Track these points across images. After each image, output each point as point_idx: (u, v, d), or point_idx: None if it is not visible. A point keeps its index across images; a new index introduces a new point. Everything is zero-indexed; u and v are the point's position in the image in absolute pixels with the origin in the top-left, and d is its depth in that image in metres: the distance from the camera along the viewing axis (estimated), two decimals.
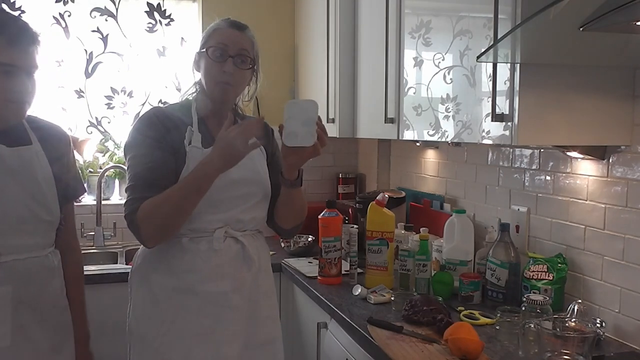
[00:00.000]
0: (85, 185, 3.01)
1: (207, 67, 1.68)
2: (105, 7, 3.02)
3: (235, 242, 1.70)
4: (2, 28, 1.50)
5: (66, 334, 1.75)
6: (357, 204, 2.73)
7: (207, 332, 1.66)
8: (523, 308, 1.66)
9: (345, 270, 2.31)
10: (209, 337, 1.66)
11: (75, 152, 2.95)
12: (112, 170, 3.00)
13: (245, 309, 1.71)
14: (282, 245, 2.84)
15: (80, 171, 3.03)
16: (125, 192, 1.66)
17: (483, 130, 1.70)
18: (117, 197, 3.09)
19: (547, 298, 1.68)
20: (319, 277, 2.30)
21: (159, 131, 1.65)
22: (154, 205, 1.58)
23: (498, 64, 1.60)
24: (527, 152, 2.05)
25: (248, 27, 1.74)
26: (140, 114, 1.73)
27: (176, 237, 1.66)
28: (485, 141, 1.70)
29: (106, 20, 3.03)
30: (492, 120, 1.62)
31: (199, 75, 1.74)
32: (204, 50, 1.69)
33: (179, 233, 1.65)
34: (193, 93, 1.78)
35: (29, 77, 1.56)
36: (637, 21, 1.13)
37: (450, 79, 1.85)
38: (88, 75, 3.04)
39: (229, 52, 1.66)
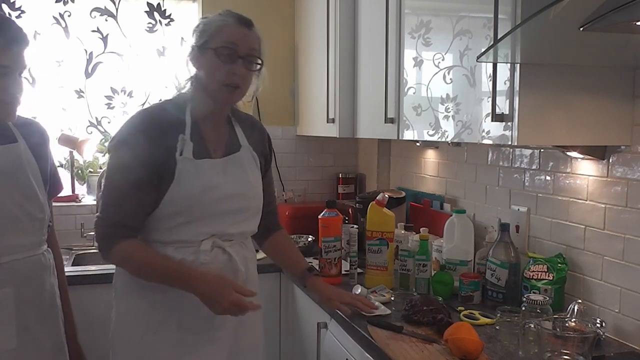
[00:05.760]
0: (85, 185, 3.04)
1: (212, 66, 1.56)
2: (105, 7, 3.02)
3: (222, 253, 1.64)
4: (1, 31, 1.51)
5: (63, 332, 1.77)
6: (357, 204, 2.73)
7: (192, 340, 1.62)
8: (523, 308, 1.66)
9: (345, 270, 2.31)
10: (193, 345, 1.62)
11: (75, 152, 2.98)
12: None
13: (230, 318, 1.61)
14: None
15: (80, 171, 3.06)
16: (97, 213, 1.59)
17: (483, 130, 1.70)
18: None
19: (547, 298, 1.68)
20: None
21: (142, 149, 1.53)
22: (131, 261, 1.57)
23: (498, 64, 1.60)
24: (527, 152, 2.05)
25: (254, 23, 1.62)
26: (131, 117, 1.62)
27: (162, 245, 1.60)
28: (485, 141, 1.70)
29: (106, 20, 3.03)
30: (492, 120, 1.62)
31: (195, 71, 1.62)
32: (211, 48, 1.55)
33: (164, 242, 1.60)
34: (188, 90, 1.66)
35: (20, 77, 1.58)
36: (637, 21, 1.13)
37: (450, 79, 1.85)
38: (88, 75, 3.04)
39: (239, 53, 1.55)
